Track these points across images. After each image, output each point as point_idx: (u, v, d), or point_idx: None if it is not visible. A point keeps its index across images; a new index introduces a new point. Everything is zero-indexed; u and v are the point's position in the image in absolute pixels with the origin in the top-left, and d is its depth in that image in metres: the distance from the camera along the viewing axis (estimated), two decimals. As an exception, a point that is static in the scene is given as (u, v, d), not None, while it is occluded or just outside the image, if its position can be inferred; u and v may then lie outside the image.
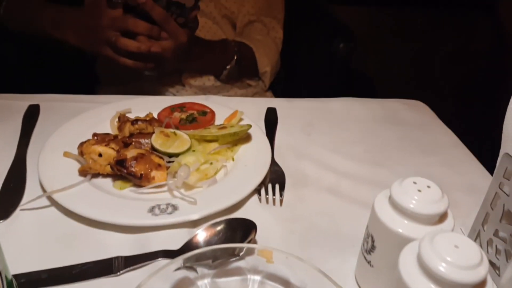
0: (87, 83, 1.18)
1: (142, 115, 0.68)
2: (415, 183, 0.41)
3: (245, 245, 0.45)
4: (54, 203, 0.53)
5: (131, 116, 0.68)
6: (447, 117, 0.83)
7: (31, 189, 0.56)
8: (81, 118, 0.67)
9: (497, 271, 0.47)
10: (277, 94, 1.20)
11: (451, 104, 1.88)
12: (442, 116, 0.81)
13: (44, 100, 0.75)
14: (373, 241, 0.43)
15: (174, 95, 1.03)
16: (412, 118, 0.78)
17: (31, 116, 0.70)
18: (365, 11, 1.71)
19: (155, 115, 0.69)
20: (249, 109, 0.76)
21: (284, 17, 1.20)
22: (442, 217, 0.41)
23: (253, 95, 1.14)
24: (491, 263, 0.48)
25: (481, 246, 0.50)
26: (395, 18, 1.74)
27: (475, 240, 0.51)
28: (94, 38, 0.78)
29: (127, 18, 0.75)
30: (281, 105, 0.80)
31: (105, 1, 0.75)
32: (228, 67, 1.02)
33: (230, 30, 1.15)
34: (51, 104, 0.74)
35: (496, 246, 0.48)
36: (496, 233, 0.48)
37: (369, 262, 0.44)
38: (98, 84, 1.17)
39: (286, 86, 1.23)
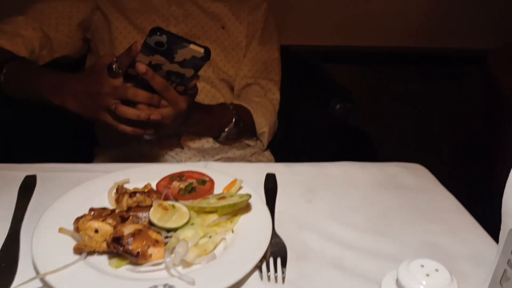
0: (86, 144, 1.19)
1: (140, 185, 0.67)
2: (422, 266, 0.40)
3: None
4: (47, 284, 0.51)
5: (130, 186, 0.67)
6: (447, 178, 0.83)
7: (24, 269, 0.54)
8: (78, 190, 0.66)
9: None
10: (275, 154, 1.21)
11: (450, 165, 1.90)
12: (442, 178, 0.81)
13: (41, 170, 0.74)
14: (381, 326, 0.41)
15: (173, 157, 1.03)
16: (413, 182, 0.77)
17: (27, 188, 0.69)
18: (358, 69, 1.76)
19: (154, 184, 0.68)
20: (248, 175, 0.75)
21: (281, 78, 1.23)
22: (452, 302, 0.39)
23: (252, 155, 1.14)
24: None
25: (493, 325, 0.48)
26: (388, 76, 1.79)
27: (487, 319, 0.49)
28: (94, 104, 0.78)
29: (128, 87, 0.76)
30: (280, 170, 0.79)
31: (106, 70, 0.76)
32: (226, 129, 1.02)
33: (229, 93, 1.17)
34: (48, 174, 0.73)
35: (509, 326, 0.46)
36: (508, 312, 0.46)
37: None
38: (97, 146, 1.17)
39: (284, 145, 1.23)
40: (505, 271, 0.47)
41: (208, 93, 1.13)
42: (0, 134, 1.06)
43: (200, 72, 1.10)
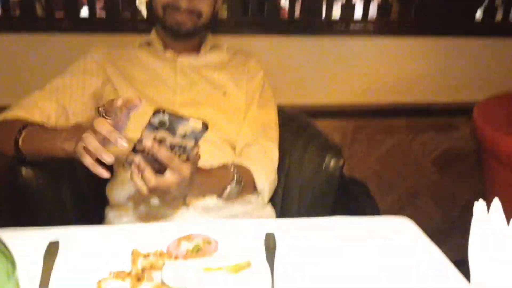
0: (98, 204, 1.26)
1: (152, 246, 0.74)
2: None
3: None
4: None
5: (143, 248, 0.74)
6: (436, 230, 0.90)
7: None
8: (98, 254, 0.74)
9: None
10: (276, 208, 1.28)
11: (440, 217, 1.97)
12: (431, 230, 0.88)
13: (63, 234, 0.81)
14: None
15: (179, 216, 1.10)
16: (400, 237, 0.84)
17: (51, 254, 0.76)
18: (352, 124, 1.86)
19: (164, 246, 0.75)
20: (250, 232, 0.84)
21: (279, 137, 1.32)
22: None
23: (253, 210, 1.21)
24: None
25: None
26: (381, 129, 1.89)
27: None
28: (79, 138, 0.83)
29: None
30: (280, 226, 0.87)
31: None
32: (228, 188, 1.10)
33: (231, 152, 1.26)
34: (70, 239, 0.80)
35: None
36: None
37: None
38: (107, 206, 1.25)
39: (284, 201, 1.31)
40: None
41: (212, 153, 1.22)
42: (15, 196, 1.14)
43: (205, 135, 1.21)
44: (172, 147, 0.84)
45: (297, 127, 1.38)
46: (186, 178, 0.88)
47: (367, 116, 1.86)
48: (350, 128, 1.84)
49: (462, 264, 0.75)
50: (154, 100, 1.21)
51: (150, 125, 0.80)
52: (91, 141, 0.80)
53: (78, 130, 0.88)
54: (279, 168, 1.28)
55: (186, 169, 0.88)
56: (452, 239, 1.91)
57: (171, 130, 0.80)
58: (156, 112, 0.78)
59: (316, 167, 1.25)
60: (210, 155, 1.22)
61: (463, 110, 1.85)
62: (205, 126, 0.81)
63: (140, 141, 0.82)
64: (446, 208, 1.99)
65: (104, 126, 0.80)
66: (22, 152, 1.00)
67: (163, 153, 0.83)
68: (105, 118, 0.83)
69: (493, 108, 1.66)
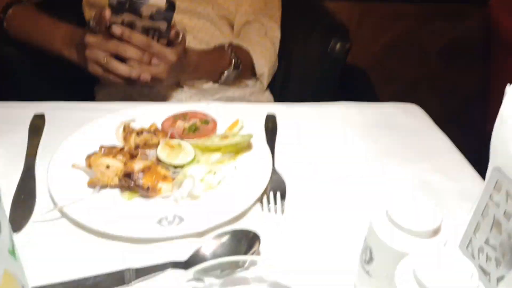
0: (87, 83, 1.19)
1: (145, 123, 0.69)
2: (410, 198, 0.44)
3: (249, 257, 0.48)
4: (65, 215, 0.55)
5: (135, 125, 0.69)
6: (442, 118, 0.86)
7: (41, 201, 0.58)
8: (87, 129, 0.69)
9: (488, 277, 0.50)
10: (274, 94, 1.22)
11: (447, 105, 1.93)
12: (437, 118, 0.84)
13: (49, 109, 0.76)
14: (371, 253, 0.45)
15: (174, 97, 1.05)
16: (408, 122, 0.80)
17: (37, 127, 0.71)
18: (358, 7, 1.72)
19: (159, 124, 0.71)
20: (249, 115, 0.78)
21: (281, 16, 1.21)
22: (436, 231, 0.43)
23: (251, 95, 1.15)
24: (482, 269, 0.51)
25: (472, 252, 0.53)
26: (389, 14, 1.76)
27: (467, 247, 0.54)
28: (84, 55, 0.80)
29: (117, 42, 0.76)
30: (280, 110, 0.82)
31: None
32: (225, 72, 1.03)
33: (228, 31, 1.16)
34: (56, 112, 0.75)
35: (487, 253, 0.51)
36: (487, 241, 0.51)
37: (367, 272, 0.47)
38: (97, 84, 1.18)
39: (283, 85, 1.24)
40: (486, 205, 0.51)
41: (208, 30, 1.13)
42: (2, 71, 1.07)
43: (200, 10, 1.10)
44: (146, 31, 0.76)
45: (302, 6, 1.27)
46: (173, 62, 0.81)
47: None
48: (357, 11, 1.71)
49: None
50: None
51: (111, 7, 0.72)
52: (118, 67, 0.77)
53: (75, 36, 0.84)
54: (280, 50, 1.20)
55: (170, 53, 0.80)
56: (450, 131, 1.91)
57: (135, 11, 0.72)
58: None
59: (320, 50, 1.16)
60: (206, 32, 1.12)
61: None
62: (170, 4, 0.72)
63: (108, 27, 0.73)
64: (446, 100, 1.94)
65: (131, 51, 0.76)
66: (7, 32, 0.94)
67: (137, 38, 0.76)
68: (98, 30, 0.77)
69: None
